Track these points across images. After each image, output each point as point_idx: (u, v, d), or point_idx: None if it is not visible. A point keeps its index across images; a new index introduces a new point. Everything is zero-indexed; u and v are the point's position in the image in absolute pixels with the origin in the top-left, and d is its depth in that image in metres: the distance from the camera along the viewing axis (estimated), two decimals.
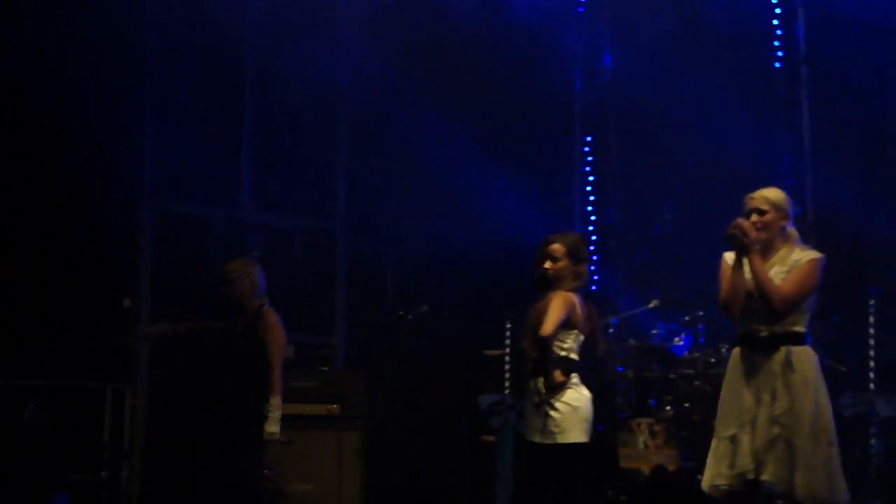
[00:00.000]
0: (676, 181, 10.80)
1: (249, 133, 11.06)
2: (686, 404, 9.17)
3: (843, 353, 9.05)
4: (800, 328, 6.45)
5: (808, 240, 9.93)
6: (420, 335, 10.92)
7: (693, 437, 9.01)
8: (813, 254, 6.53)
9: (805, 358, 6.41)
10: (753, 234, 6.47)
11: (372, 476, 9.70)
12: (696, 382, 9.17)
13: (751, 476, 6.38)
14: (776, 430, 6.35)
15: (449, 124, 10.96)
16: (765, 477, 6.34)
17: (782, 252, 6.53)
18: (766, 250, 6.56)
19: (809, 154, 10.40)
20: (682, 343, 9.44)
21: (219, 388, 7.99)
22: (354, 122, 11.47)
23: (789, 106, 10.54)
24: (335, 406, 9.56)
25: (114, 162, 10.17)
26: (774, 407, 6.36)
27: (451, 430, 10.25)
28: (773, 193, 6.60)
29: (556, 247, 7.03)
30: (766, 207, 6.56)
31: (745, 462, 6.40)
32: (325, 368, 10.39)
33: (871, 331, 7.94)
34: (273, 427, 7.83)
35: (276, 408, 7.86)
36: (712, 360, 9.09)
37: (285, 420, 7.92)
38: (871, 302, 7.94)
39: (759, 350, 6.47)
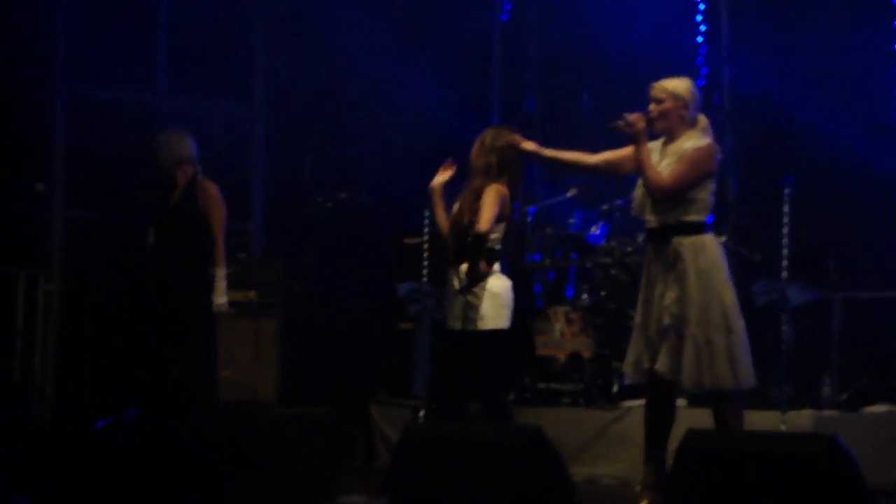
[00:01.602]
0: (596, 70, 10.80)
1: (164, 17, 10.86)
2: (602, 293, 9.24)
3: (757, 241, 9.17)
4: (692, 217, 6.47)
5: (724, 130, 10.05)
6: (338, 222, 10.91)
7: (608, 324, 9.10)
8: (700, 141, 6.52)
9: (698, 247, 6.44)
10: (641, 124, 6.50)
11: (289, 363, 9.73)
12: (613, 271, 9.23)
13: (645, 365, 6.51)
14: (667, 320, 6.45)
15: (367, 12, 10.84)
16: (656, 367, 6.45)
17: (680, 141, 6.56)
18: (669, 140, 6.60)
19: (727, 43, 10.41)
20: (598, 232, 9.48)
21: (163, 262, 7.91)
22: (272, 7, 11.30)
23: None
24: (252, 292, 9.54)
25: (25, 45, 9.97)
26: (665, 297, 6.46)
27: (369, 318, 10.27)
28: (672, 83, 6.61)
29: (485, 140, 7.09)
30: (663, 96, 6.58)
31: (641, 351, 6.53)
32: (243, 255, 10.36)
33: (785, 219, 8.01)
34: (221, 298, 7.79)
35: (222, 279, 7.80)
36: (628, 248, 9.16)
37: None
38: (786, 190, 8.00)
39: (653, 241, 6.56)
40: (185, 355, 7.80)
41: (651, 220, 6.55)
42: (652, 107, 6.58)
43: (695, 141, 6.52)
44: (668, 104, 6.56)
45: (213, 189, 7.94)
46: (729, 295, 6.45)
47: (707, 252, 6.45)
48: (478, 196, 7.01)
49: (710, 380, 6.38)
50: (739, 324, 6.45)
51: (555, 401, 9.04)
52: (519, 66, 11.51)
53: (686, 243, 6.44)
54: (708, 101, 9.66)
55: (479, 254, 6.88)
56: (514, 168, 7.06)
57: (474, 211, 6.95)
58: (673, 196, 6.44)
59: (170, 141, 8.00)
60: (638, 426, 6.84)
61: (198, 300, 7.78)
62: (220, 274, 7.80)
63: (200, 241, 7.85)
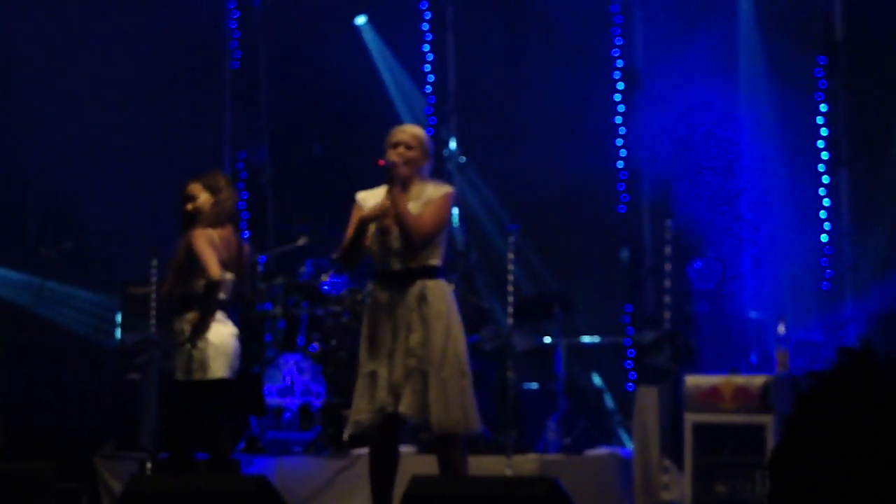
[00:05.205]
0: (326, 117, 10.86)
1: None
2: (333, 341, 9.26)
3: (483, 289, 9.35)
4: (434, 261, 6.58)
5: (454, 179, 10.24)
6: (64, 271, 10.64)
7: (339, 372, 9.11)
8: (446, 188, 6.67)
9: (439, 291, 6.55)
10: (403, 169, 6.59)
11: (10, 416, 9.43)
12: (343, 319, 9.27)
13: (390, 409, 6.51)
14: (412, 362, 6.50)
15: (98, 69, 10.63)
16: (401, 409, 6.49)
17: (417, 188, 6.66)
18: (404, 187, 6.68)
19: (454, 92, 10.61)
20: (329, 280, 9.49)
21: None
22: None
23: (437, 48, 10.72)
24: None
25: None
26: (410, 339, 6.51)
27: (96, 369, 10.03)
28: (420, 131, 6.76)
29: (193, 186, 7.03)
30: (414, 144, 6.66)
31: (383, 396, 6.53)
32: None
33: (510, 267, 8.18)
34: None
35: None
36: (359, 296, 9.20)
37: None
38: (511, 239, 8.18)
39: (395, 285, 6.58)
40: None
41: (395, 264, 6.58)
42: (401, 150, 6.62)
43: (441, 188, 6.64)
44: (416, 152, 6.63)
45: None
46: (462, 340, 6.57)
47: (446, 296, 6.57)
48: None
49: (447, 422, 6.46)
50: (469, 369, 6.57)
51: (285, 450, 9.00)
52: (250, 114, 11.45)
53: (430, 286, 6.53)
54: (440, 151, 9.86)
55: (211, 301, 6.80)
56: (225, 210, 7.06)
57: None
58: (430, 240, 6.53)
59: None
60: (367, 474, 6.84)
61: None
62: None
63: None
